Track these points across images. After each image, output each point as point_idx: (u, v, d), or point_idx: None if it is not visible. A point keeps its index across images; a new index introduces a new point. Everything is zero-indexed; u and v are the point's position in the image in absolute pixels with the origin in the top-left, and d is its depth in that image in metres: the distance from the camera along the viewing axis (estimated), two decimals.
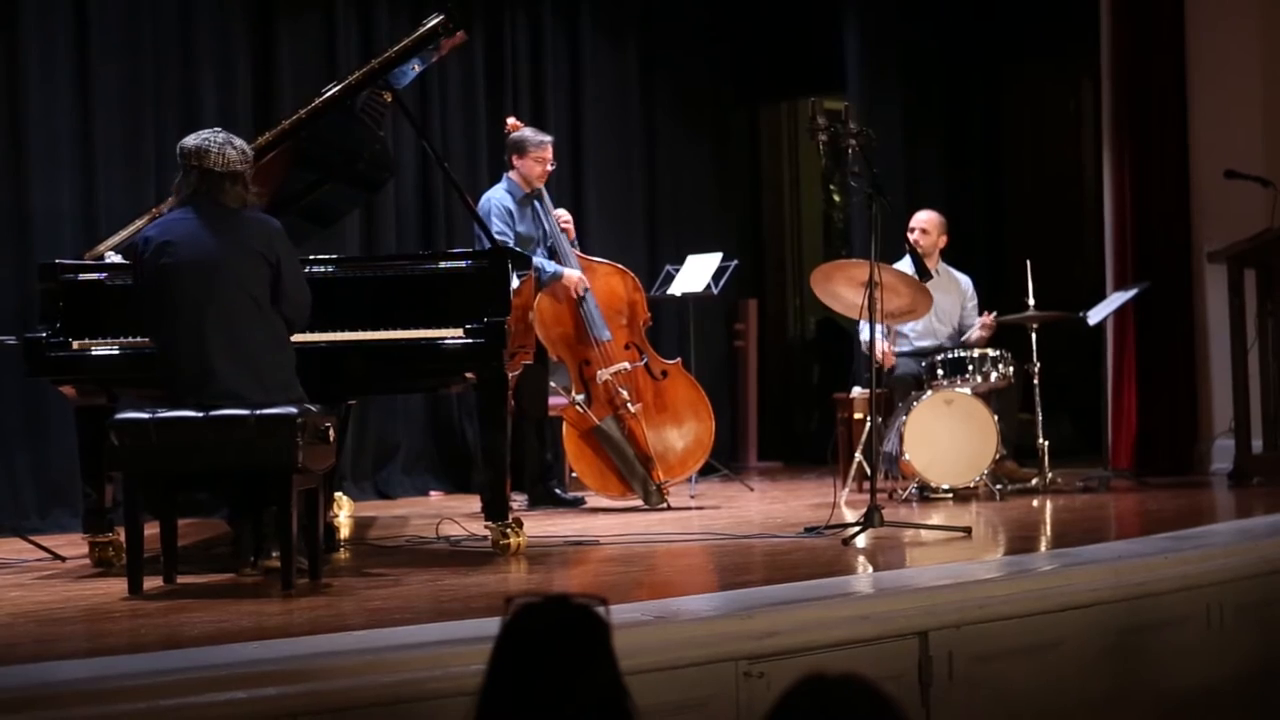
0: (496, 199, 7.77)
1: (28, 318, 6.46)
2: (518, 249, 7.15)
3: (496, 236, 7.15)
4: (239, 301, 5.39)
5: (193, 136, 5.57)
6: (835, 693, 2.27)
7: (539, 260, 7.46)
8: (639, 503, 7.69)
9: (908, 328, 8.26)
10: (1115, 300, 8.57)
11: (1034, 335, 8.02)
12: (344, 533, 7.05)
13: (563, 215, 7.87)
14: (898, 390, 8.06)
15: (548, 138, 7.93)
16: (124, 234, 6.29)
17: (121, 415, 5.27)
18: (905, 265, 7.63)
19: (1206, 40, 8.88)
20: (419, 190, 9.23)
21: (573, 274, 7.69)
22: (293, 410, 5.17)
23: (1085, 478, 8.30)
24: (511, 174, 7.86)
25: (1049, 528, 6.96)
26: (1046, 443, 8.00)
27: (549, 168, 7.85)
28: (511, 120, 8.06)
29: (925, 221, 8.33)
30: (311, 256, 6.03)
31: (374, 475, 8.94)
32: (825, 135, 6.35)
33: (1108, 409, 9.03)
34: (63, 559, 6.16)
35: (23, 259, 7.43)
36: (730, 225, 10.78)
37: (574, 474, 8.12)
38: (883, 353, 6.71)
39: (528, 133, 7.89)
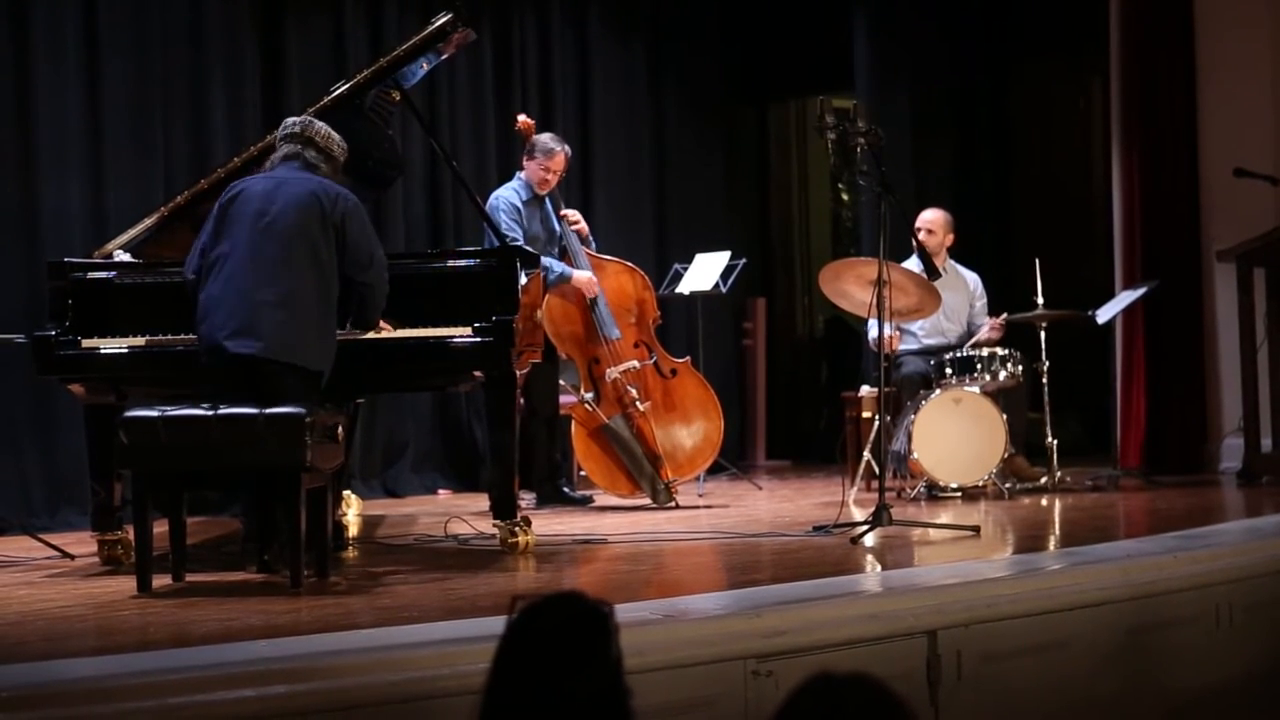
0: (505, 197, 7.76)
1: (37, 316, 6.46)
2: (526, 248, 7.15)
3: (505, 234, 7.14)
4: (293, 254, 5.49)
5: (292, 117, 5.91)
6: (843, 692, 2.27)
7: (547, 261, 7.44)
8: (647, 501, 7.69)
9: (916, 326, 8.25)
10: (1124, 299, 8.56)
11: (1043, 334, 8.00)
12: (352, 531, 7.06)
13: (571, 215, 7.86)
14: (906, 389, 8.05)
15: (558, 147, 7.84)
16: (132, 232, 6.31)
17: (130, 413, 5.28)
18: (913, 264, 7.63)
19: (1216, 38, 8.87)
20: (427, 189, 9.24)
21: (583, 275, 7.68)
22: (301, 409, 5.18)
23: (1094, 477, 8.29)
24: (522, 173, 7.86)
25: (1057, 527, 6.95)
26: (1055, 441, 7.99)
27: (549, 177, 7.80)
28: (522, 117, 8.05)
29: (930, 221, 8.32)
30: None
31: (382, 473, 8.95)
32: (834, 134, 6.35)
33: (1116, 408, 9.01)
34: (71, 557, 6.17)
35: (32, 257, 7.44)
36: (739, 224, 10.78)
37: (582, 472, 8.12)
38: (888, 337, 6.69)
39: (544, 138, 7.86)
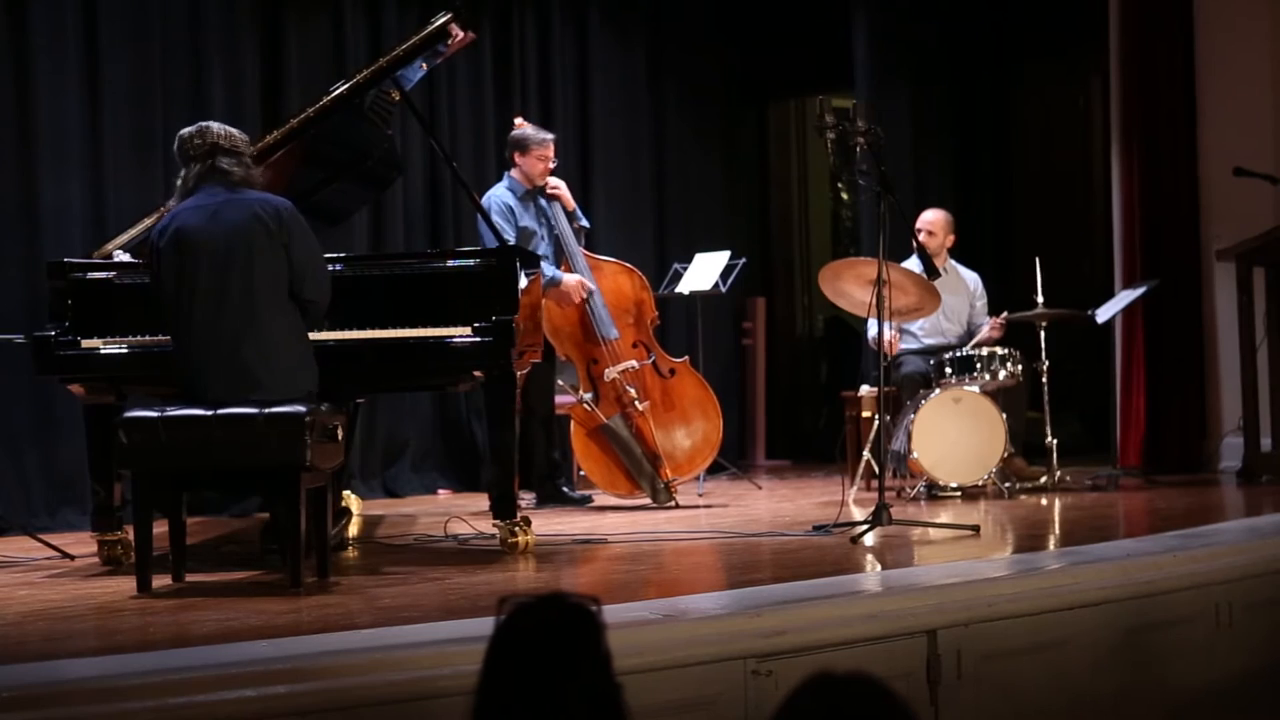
0: (497, 197, 7.77)
1: (37, 316, 6.47)
2: (527, 249, 7.15)
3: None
4: (255, 288, 5.40)
5: (185, 129, 5.65)
6: (843, 691, 2.28)
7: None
8: (647, 501, 7.69)
9: (916, 326, 8.26)
10: (1124, 298, 8.56)
11: (1042, 333, 8.01)
12: (352, 531, 7.05)
13: (551, 181, 7.81)
14: (906, 388, 8.05)
15: (549, 135, 7.92)
16: (132, 232, 6.31)
17: (130, 413, 5.27)
18: (913, 264, 7.63)
19: (1216, 37, 8.88)
20: (427, 189, 9.24)
21: (571, 279, 7.67)
22: (301, 409, 5.18)
23: (1094, 476, 8.29)
24: (513, 172, 7.86)
25: (1057, 526, 6.95)
26: (1055, 441, 7.99)
27: (550, 165, 7.84)
28: (519, 120, 8.07)
29: (930, 223, 8.32)
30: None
31: (382, 473, 8.95)
32: (833, 133, 6.35)
33: (1116, 407, 9.01)
34: (72, 557, 6.17)
35: (31, 257, 7.44)
36: (738, 223, 10.78)
37: (582, 472, 8.13)
38: (888, 340, 6.67)
39: (529, 130, 7.89)
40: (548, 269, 7.59)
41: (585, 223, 8.01)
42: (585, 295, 7.68)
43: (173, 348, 5.52)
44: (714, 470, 8.57)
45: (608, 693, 2.47)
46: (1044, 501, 7.68)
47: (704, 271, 8.92)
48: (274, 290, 5.44)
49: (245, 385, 5.32)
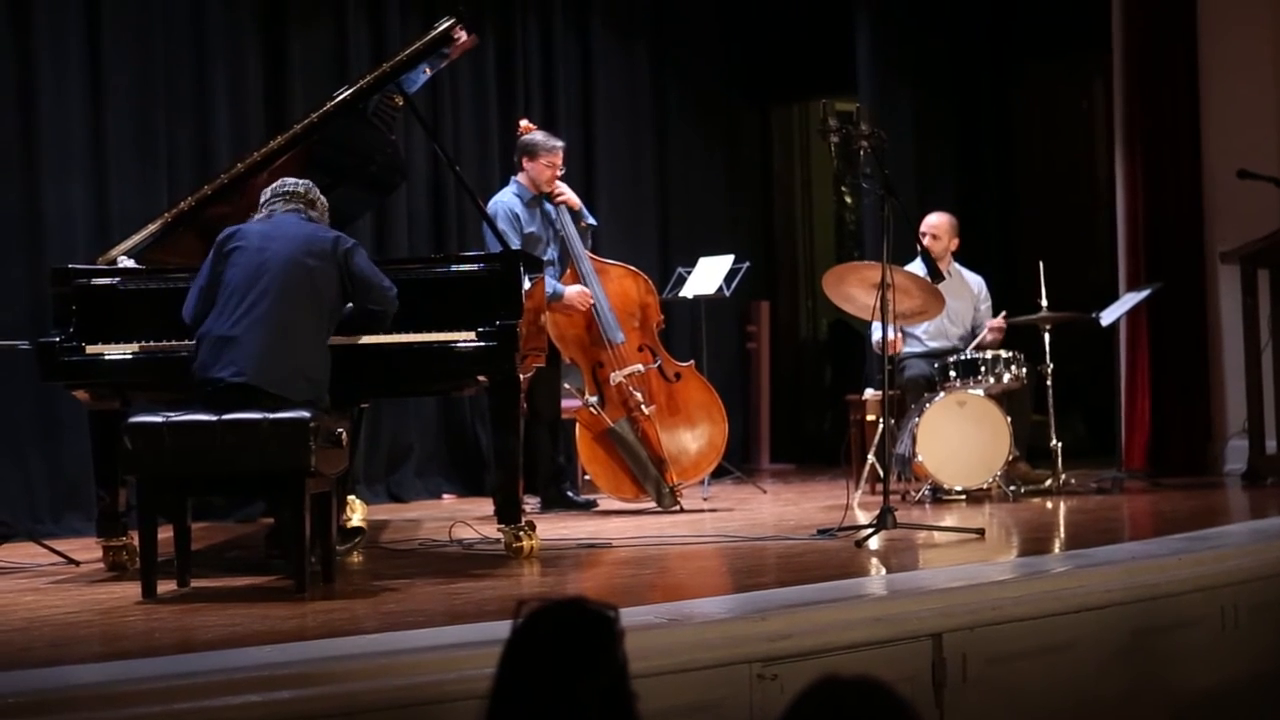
0: (504, 204, 7.76)
1: (41, 322, 6.47)
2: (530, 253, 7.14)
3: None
4: (288, 289, 5.46)
5: None
6: (849, 695, 2.27)
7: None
8: (652, 505, 7.69)
9: (920, 329, 8.25)
10: (1128, 301, 8.55)
11: (1047, 336, 8.00)
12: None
13: (558, 187, 7.81)
14: (910, 392, 8.04)
15: (559, 143, 7.91)
16: (137, 238, 6.31)
17: (135, 419, 5.28)
18: (917, 266, 7.62)
19: (1218, 39, 8.87)
20: (431, 193, 9.24)
21: (573, 292, 7.66)
22: (306, 414, 5.18)
23: (1099, 479, 8.29)
24: (520, 176, 7.86)
25: (1062, 529, 6.95)
26: (1059, 444, 7.98)
27: (559, 173, 7.84)
28: (524, 123, 8.06)
29: (935, 226, 8.31)
30: None
31: (387, 478, 8.94)
32: (837, 136, 6.35)
33: (1121, 410, 9.01)
34: (76, 563, 6.17)
35: (36, 263, 7.44)
36: (742, 227, 10.78)
37: (587, 476, 8.12)
38: (891, 341, 6.67)
39: (539, 136, 7.88)
40: (550, 283, 7.57)
41: (592, 220, 8.00)
42: (588, 306, 7.67)
43: (199, 334, 5.54)
44: (719, 474, 8.56)
45: (623, 700, 2.46)
46: (1049, 504, 7.68)
47: (708, 275, 8.92)
48: (309, 300, 5.51)
49: (245, 356, 5.35)
